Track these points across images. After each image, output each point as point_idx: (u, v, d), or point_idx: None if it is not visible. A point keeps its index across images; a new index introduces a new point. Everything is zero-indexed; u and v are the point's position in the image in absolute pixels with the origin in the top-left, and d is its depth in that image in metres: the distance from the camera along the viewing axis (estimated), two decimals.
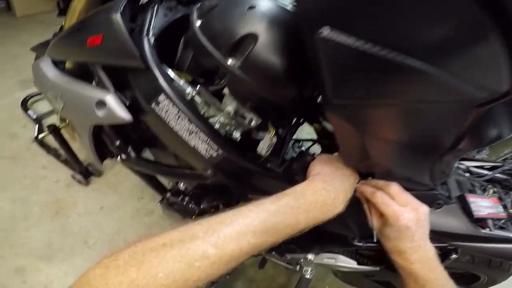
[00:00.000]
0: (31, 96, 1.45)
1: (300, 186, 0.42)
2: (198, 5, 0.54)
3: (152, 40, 0.49)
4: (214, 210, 0.71)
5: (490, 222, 0.61)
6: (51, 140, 1.11)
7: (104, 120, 0.54)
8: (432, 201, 0.56)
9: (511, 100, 0.31)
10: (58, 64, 0.64)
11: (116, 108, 0.51)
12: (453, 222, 0.60)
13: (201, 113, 0.51)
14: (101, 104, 0.52)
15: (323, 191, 0.42)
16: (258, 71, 0.44)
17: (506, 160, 1.33)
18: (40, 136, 1.05)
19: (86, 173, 1.21)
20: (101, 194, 1.22)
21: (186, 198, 0.71)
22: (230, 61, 0.44)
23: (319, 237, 0.75)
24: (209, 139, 0.47)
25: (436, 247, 0.61)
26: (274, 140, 0.52)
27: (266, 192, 0.54)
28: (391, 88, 0.32)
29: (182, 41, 0.54)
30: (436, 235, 0.56)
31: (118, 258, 0.30)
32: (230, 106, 0.49)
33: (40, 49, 0.96)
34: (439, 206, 0.58)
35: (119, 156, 0.66)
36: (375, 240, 0.50)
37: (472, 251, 0.64)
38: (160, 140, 0.55)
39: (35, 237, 1.06)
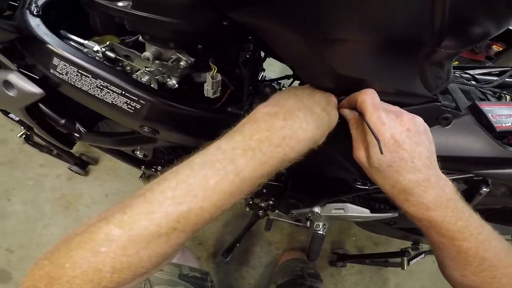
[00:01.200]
0: None
1: (239, 122, 0.34)
2: None
3: (34, 10, 0.45)
4: None
5: None
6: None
7: (22, 100, 0.49)
8: (437, 117, 0.46)
9: None
10: None
11: (23, 84, 0.46)
12: (471, 141, 0.48)
13: (127, 69, 0.44)
14: (8, 84, 0.47)
15: (266, 115, 0.32)
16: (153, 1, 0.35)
17: None
18: (20, 134, 1.05)
19: (81, 163, 1.23)
20: (102, 182, 1.25)
21: (159, 168, 0.67)
22: (120, 4, 0.36)
23: (318, 186, 0.68)
24: (123, 91, 0.40)
25: (455, 180, 0.51)
26: (219, 78, 0.43)
27: None
28: None
29: None
30: (451, 163, 0.47)
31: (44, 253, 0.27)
32: (148, 52, 0.41)
33: None
34: (448, 121, 0.46)
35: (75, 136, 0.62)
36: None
37: (506, 180, 0.52)
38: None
39: (55, 234, 1.14)
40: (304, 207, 0.75)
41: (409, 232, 0.86)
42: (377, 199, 0.70)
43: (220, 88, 0.45)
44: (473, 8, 0.31)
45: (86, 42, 0.44)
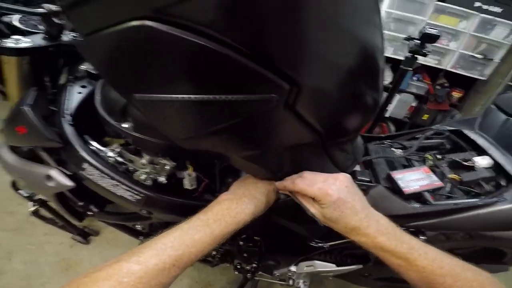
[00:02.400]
0: None
1: (210, 204, 0.54)
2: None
3: (69, 119, 0.67)
4: None
5: (427, 195, 0.66)
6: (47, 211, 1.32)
7: (56, 189, 0.71)
8: None
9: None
10: (15, 148, 0.83)
11: (61, 179, 0.69)
12: (386, 204, 0.64)
13: (131, 169, 0.67)
14: (49, 177, 0.70)
15: (226, 200, 0.53)
16: (147, 127, 0.58)
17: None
18: (32, 209, 1.26)
19: (84, 234, 1.41)
20: (102, 250, 1.42)
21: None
22: (125, 125, 0.59)
23: (286, 247, 0.87)
24: (128, 188, 0.63)
25: None
26: (193, 174, 0.67)
27: None
28: (207, 117, 0.42)
29: None
30: None
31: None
32: (144, 159, 0.64)
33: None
34: (364, 192, 0.61)
35: (87, 214, 0.83)
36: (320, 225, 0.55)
37: (423, 229, 0.68)
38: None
39: None
40: (281, 267, 0.92)
41: (388, 281, 0.98)
42: (344, 254, 0.86)
43: (195, 182, 0.68)
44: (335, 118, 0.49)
45: (103, 148, 0.66)
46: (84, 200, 0.80)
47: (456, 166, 0.77)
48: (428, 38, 1.38)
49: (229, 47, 0.35)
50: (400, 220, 0.63)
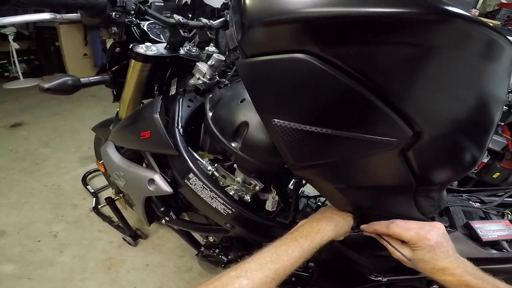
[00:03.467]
0: (89, 172, 1.90)
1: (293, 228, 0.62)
2: (210, 95, 0.82)
3: (181, 130, 0.77)
4: (239, 260, 0.93)
5: (505, 244, 0.71)
6: (105, 209, 1.44)
7: (154, 193, 0.82)
8: None
9: (441, 143, 0.49)
10: (119, 148, 0.95)
11: (162, 184, 0.79)
12: (460, 248, 0.66)
13: (221, 183, 0.77)
14: (152, 181, 0.81)
15: (306, 222, 0.61)
16: (253, 150, 0.67)
17: None
18: (99, 206, 1.39)
19: (134, 236, 1.52)
20: (147, 253, 1.50)
21: (217, 251, 0.95)
22: (233, 145, 0.69)
23: (339, 277, 0.91)
24: (224, 202, 0.73)
25: None
26: (276, 198, 0.75)
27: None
28: (329, 149, 0.49)
29: (202, 127, 0.82)
30: None
31: None
32: (239, 177, 0.74)
33: (99, 131, 1.31)
34: None
35: (163, 219, 0.93)
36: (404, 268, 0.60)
37: (499, 273, 0.73)
38: (193, 204, 0.81)
39: None
40: None
41: None
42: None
43: (276, 205, 0.77)
44: (432, 165, 0.53)
45: (203, 161, 0.76)
46: (165, 207, 0.91)
47: None
48: None
49: (369, 89, 0.43)
50: (475, 262, 0.67)
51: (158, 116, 0.76)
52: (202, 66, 0.88)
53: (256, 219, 0.75)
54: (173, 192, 0.79)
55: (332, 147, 0.50)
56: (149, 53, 0.83)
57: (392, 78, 0.43)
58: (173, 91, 0.93)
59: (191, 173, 0.74)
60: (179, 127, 0.78)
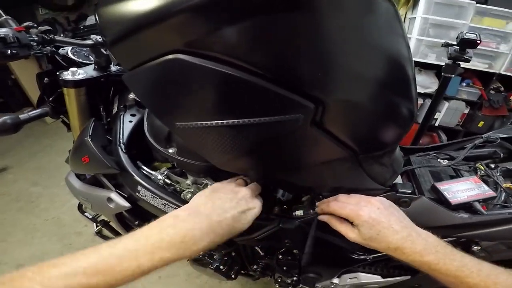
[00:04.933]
0: None
1: (145, 228, 0.44)
2: None
3: (123, 147, 0.74)
4: (226, 259, 0.88)
5: (477, 205, 0.62)
6: (108, 232, 1.43)
7: (116, 209, 0.79)
8: (397, 202, 0.62)
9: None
10: (79, 175, 0.92)
11: (119, 201, 0.77)
12: (432, 215, 0.62)
13: (177, 189, 0.73)
14: (110, 199, 0.78)
15: (169, 228, 0.43)
16: (189, 151, 0.63)
17: None
18: (96, 229, 1.38)
19: None
20: None
21: (201, 253, 0.90)
22: (171, 151, 0.65)
23: (327, 260, 0.85)
24: (177, 206, 0.68)
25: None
26: None
27: (247, 232, 0.71)
28: (241, 139, 0.46)
29: None
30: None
31: None
32: (189, 180, 0.70)
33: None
34: (406, 203, 0.63)
35: None
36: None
37: (476, 239, 0.64)
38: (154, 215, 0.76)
39: None
40: (323, 279, 0.90)
41: None
42: (388, 265, 0.82)
43: None
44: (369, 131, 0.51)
45: (153, 172, 0.72)
46: (139, 219, 0.87)
47: (511, 175, 0.72)
48: (467, 44, 1.30)
49: (253, 74, 0.39)
50: (447, 230, 0.63)
51: (89, 139, 0.74)
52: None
53: None
54: (132, 206, 0.76)
55: (242, 136, 0.46)
56: (77, 77, 0.80)
57: (266, 54, 0.39)
58: (115, 109, 0.90)
59: (139, 186, 0.71)
60: (121, 144, 0.75)
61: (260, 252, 0.86)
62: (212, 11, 0.35)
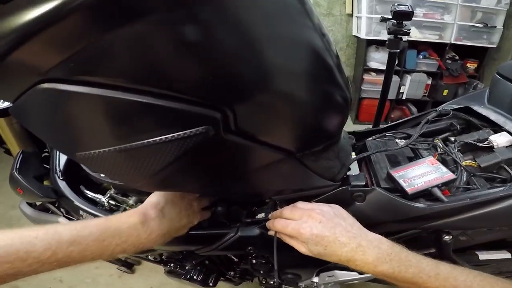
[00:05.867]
0: None
1: (115, 218, 0.46)
2: None
3: (59, 174, 0.71)
4: (200, 267, 0.84)
5: (437, 191, 0.55)
6: None
7: None
8: (351, 196, 0.56)
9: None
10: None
11: None
12: (390, 208, 0.55)
13: (127, 209, 0.68)
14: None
15: (139, 225, 0.46)
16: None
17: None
18: None
19: (127, 264, 1.48)
20: (146, 277, 1.48)
21: (172, 265, 0.88)
22: (103, 174, 0.61)
23: (300, 260, 0.81)
24: None
25: (406, 236, 0.60)
26: None
27: (206, 243, 0.67)
28: (151, 160, 0.40)
29: None
30: (387, 226, 0.57)
31: None
32: (131, 200, 0.66)
33: None
34: (362, 197, 0.56)
35: None
36: None
37: (444, 228, 0.57)
38: None
39: None
40: (303, 279, 0.86)
41: None
42: None
43: None
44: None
45: (96, 195, 0.69)
46: None
47: (470, 149, 0.66)
48: (401, 16, 1.26)
49: (137, 92, 0.33)
50: (409, 224, 0.57)
51: (16, 173, 0.71)
52: None
53: None
54: None
55: (153, 156, 0.40)
56: (2, 106, 0.76)
57: (143, 67, 0.32)
58: None
59: (80, 211, 0.67)
60: (57, 172, 0.72)
61: (233, 258, 0.82)
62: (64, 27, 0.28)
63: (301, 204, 0.52)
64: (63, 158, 0.74)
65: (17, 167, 0.70)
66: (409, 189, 0.55)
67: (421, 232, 0.60)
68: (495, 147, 0.63)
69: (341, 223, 0.47)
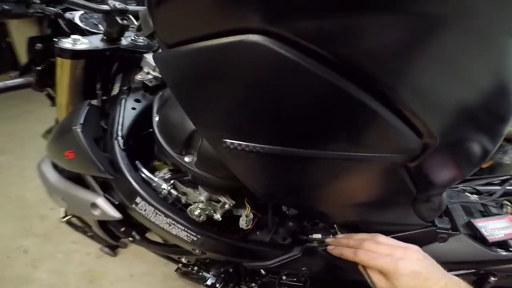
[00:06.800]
0: None
1: None
2: (161, 93, 0.63)
3: (121, 142, 0.58)
4: (224, 275, 0.76)
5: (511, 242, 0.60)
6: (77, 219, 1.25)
7: (101, 217, 0.63)
8: (434, 237, 0.58)
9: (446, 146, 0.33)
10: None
11: (107, 209, 0.60)
12: (465, 250, 0.60)
13: (183, 202, 0.58)
14: (95, 206, 0.62)
15: None
16: (213, 164, 0.49)
17: None
18: (65, 217, 1.19)
19: (113, 246, 1.33)
20: (129, 263, 1.33)
21: (196, 268, 0.78)
22: (187, 159, 0.51)
23: (336, 285, 0.77)
24: (186, 228, 0.54)
25: (465, 274, 0.64)
26: (251, 216, 0.57)
27: (261, 258, 0.59)
28: (309, 174, 0.36)
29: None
30: (459, 265, 0.62)
31: None
32: (202, 196, 0.56)
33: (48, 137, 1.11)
34: (443, 239, 0.59)
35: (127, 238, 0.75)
36: None
37: (505, 272, 0.64)
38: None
39: None
40: None
41: None
42: None
43: (251, 222, 0.59)
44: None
45: (156, 179, 0.58)
46: (126, 225, 0.72)
47: None
48: None
49: (363, 88, 0.26)
50: (480, 265, 0.62)
51: (79, 131, 0.55)
52: (151, 58, 0.68)
53: (229, 242, 0.57)
54: (123, 217, 0.61)
55: (313, 171, 0.35)
56: (78, 47, 0.63)
57: (393, 67, 0.26)
58: (116, 90, 0.72)
59: (138, 197, 0.55)
60: (119, 137, 0.58)
61: (262, 270, 0.75)
62: None
63: (385, 239, 0.50)
64: (126, 121, 0.61)
65: (81, 123, 0.56)
66: (490, 238, 0.60)
67: (474, 272, 0.65)
68: None
69: (432, 263, 0.47)
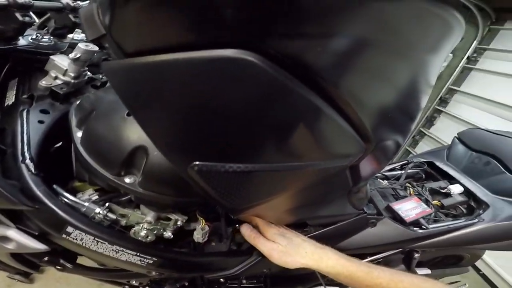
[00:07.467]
0: None
1: None
2: (77, 102, 0.53)
3: (31, 165, 0.46)
4: None
5: (423, 221, 0.71)
6: None
7: (19, 250, 0.51)
8: (366, 223, 0.65)
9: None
10: None
11: (24, 241, 0.49)
12: (393, 232, 0.69)
13: (123, 223, 0.50)
14: (6, 239, 0.49)
15: None
16: (160, 181, 0.43)
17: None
18: None
19: (24, 272, 1.11)
20: None
21: None
22: (127, 180, 0.43)
23: (292, 279, 0.81)
24: (137, 253, 0.48)
25: (394, 254, 0.74)
26: (206, 228, 0.54)
27: (223, 268, 0.58)
28: (277, 185, 0.37)
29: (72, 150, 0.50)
30: (387, 246, 0.71)
31: None
32: (149, 216, 0.49)
33: None
34: (374, 224, 0.66)
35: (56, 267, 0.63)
36: None
37: (422, 248, 0.75)
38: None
39: None
40: None
41: None
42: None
43: (206, 234, 0.55)
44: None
45: (86, 204, 0.48)
46: (50, 254, 0.58)
47: (435, 193, 0.84)
48: None
49: (326, 100, 0.28)
50: (404, 243, 0.71)
51: None
52: (61, 60, 0.58)
53: (189, 258, 0.54)
54: (50, 249, 0.50)
55: (281, 182, 0.36)
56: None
57: (348, 77, 0.28)
58: (11, 99, 0.58)
59: (68, 226, 0.45)
60: (27, 160, 0.47)
61: (221, 278, 0.74)
62: None
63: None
64: (33, 138, 0.48)
65: None
66: (407, 218, 0.69)
67: (401, 251, 0.75)
68: (452, 193, 0.82)
69: (297, 243, 0.53)
